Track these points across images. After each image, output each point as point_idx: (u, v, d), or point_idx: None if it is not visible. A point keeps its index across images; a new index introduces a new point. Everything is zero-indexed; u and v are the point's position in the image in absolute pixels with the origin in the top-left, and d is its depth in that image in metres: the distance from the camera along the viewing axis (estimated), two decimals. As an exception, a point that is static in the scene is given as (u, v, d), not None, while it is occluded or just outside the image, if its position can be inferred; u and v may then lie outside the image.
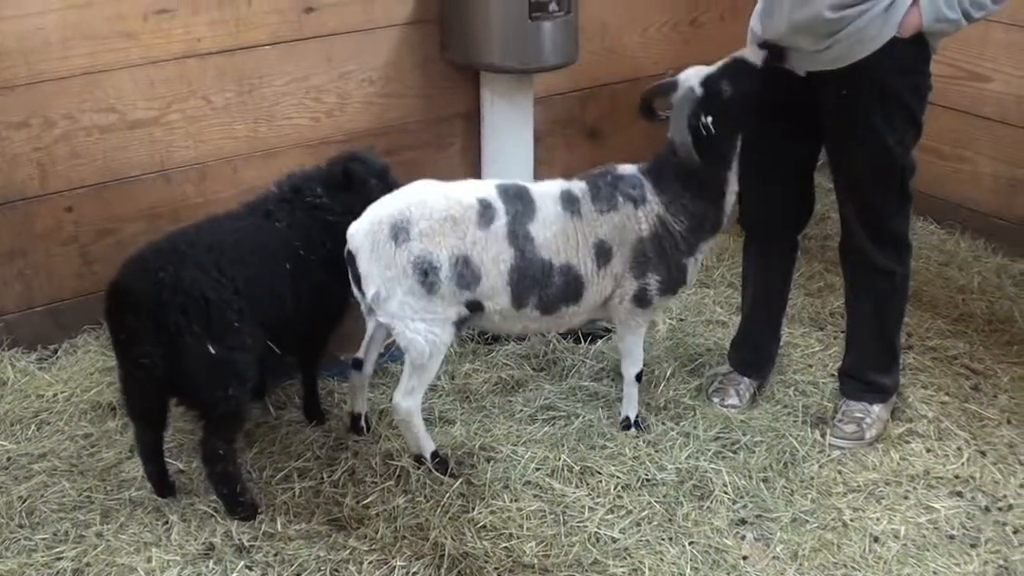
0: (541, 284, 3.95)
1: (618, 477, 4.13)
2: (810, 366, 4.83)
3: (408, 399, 4.01)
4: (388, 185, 4.21)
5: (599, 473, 4.15)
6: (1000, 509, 4.04)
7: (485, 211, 3.87)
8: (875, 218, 4.19)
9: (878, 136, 4.02)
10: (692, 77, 3.97)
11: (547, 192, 4.03)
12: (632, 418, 4.38)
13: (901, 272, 4.33)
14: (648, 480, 4.13)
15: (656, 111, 4.11)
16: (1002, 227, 5.78)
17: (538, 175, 5.71)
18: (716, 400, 4.56)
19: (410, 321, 3.84)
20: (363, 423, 4.36)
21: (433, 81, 5.58)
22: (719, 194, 4.09)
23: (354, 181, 4.18)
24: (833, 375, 4.68)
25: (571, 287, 4.01)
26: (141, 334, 3.71)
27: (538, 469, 4.16)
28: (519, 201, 3.95)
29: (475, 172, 5.73)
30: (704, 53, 6.26)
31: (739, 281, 5.32)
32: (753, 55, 3.97)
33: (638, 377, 4.36)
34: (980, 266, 5.65)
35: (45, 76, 4.69)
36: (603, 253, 4.02)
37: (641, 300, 4.12)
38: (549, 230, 3.94)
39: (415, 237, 3.78)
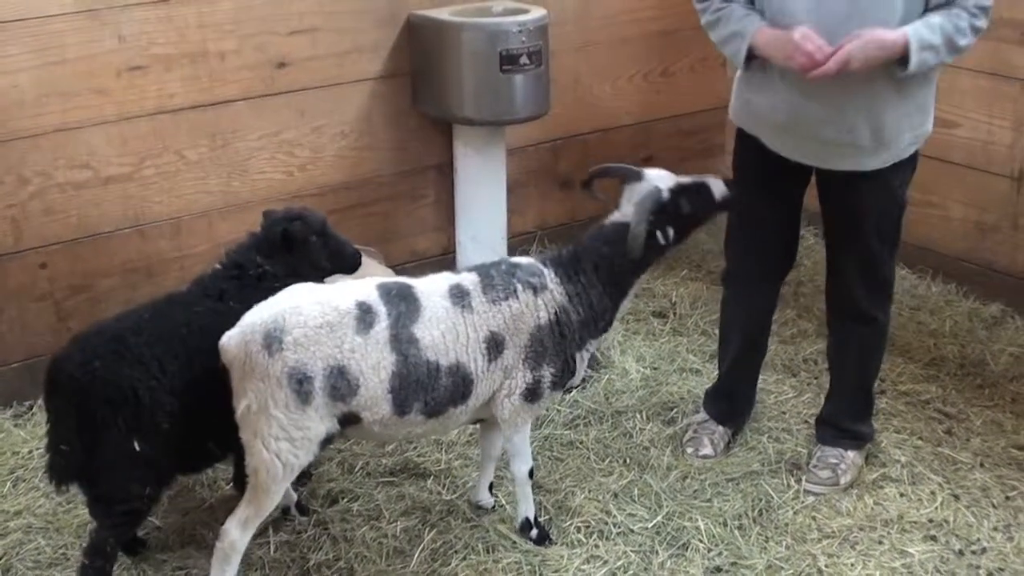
0: (427, 388, 3.68)
1: (594, 526, 4.14)
2: (783, 413, 4.85)
3: (240, 530, 3.69)
4: (328, 240, 4.11)
5: (575, 521, 4.15)
6: (974, 552, 4.05)
7: (364, 315, 3.61)
8: (871, 264, 4.23)
9: (887, 180, 4.09)
10: (663, 179, 3.88)
11: (434, 289, 3.77)
12: (531, 519, 4.12)
13: (884, 320, 4.39)
14: (624, 529, 4.13)
15: (596, 190, 4.05)
16: (973, 271, 5.82)
17: (511, 225, 5.78)
18: (690, 450, 4.57)
19: (273, 440, 3.55)
20: (295, 512, 4.23)
21: (406, 134, 5.63)
22: (623, 294, 3.97)
23: (295, 243, 4.02)
24: (807, 421, 4.71)
25: (459, 387, 3.74)
26: (66, 420, 3.64)
27: (515, 519, 4.16)
28: (402, 302, 3.69)
29: (449, 223, 5.78)
30: (675, 103, 6.43)
31: (712, 329, 5.37)
32: (717, 189, 3.94)
33: (530, 474, 4.08)
34: (951, 310, 5.69)
35: (19, 133, 4.71)
36: (495, 345, 3.76)
37: (532, 394, 3.85)
38: (436, 329, 3.69)
39: (288, 347, 3.51)
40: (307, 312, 3.56)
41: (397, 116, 5.57)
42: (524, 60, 5.20)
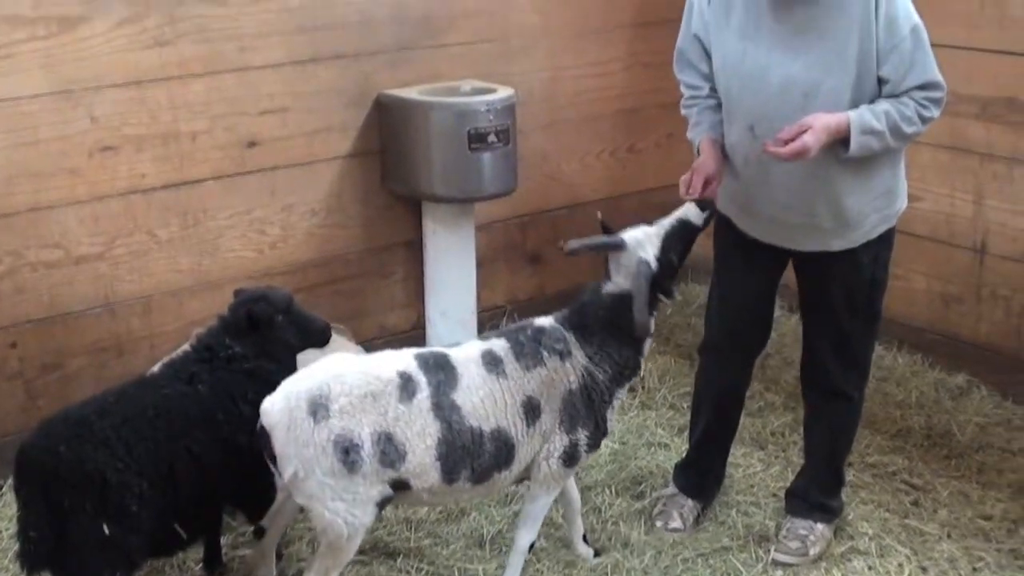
0: (473, 454, 3.76)
1: (564, 603, 4.14)
2: (752, 486, 4.86)
3: None
4: (294, 318, 4.15)
5: (545, 599, 4.16)
6: (942, 625, 4.07)
7: (406, 384, 3.70)
8: (844, 341, 4.28)
9: (856, 257, 4.14)
10: (645, 244, 3.92)
11: (469, 357, 3.86)
12: None
13: (857, 397, 4.43)
14: (594, 606, 4.13)
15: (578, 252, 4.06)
16: (937, 342, 5.87)
17: (481, 300, 5.83)
18: (659, 524, 4.58)
19: (329, 501, 3.62)
20: None
21: (375, 211, 5.68)
22: (641, 340, 4.02)
23: (260, 323, 4.06)
24: (775, 495, 4.74)
25: (503, 452, 3.82)
26: (35, 506, 3.64)
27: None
28: (440, 370, 3.78)
29: (418, 299, 5.82)
30: (642, 179, 6.50)
31: (681, 402, 5.40)
32: (695, 216, 3.99)
33: (530, 548, 4.13)
34: (917, 381, 5.71)
35: (-10, 214, 4.74)
36: (532, 410, 3.85)
37: (570, 458, 3.94)
38: (476, 395, 3.78)
39: (335, 414, 3.58)
40: (351, 380, 3.64)
41: (366, 194, 5.62)
42: (492, 138, 5.27)
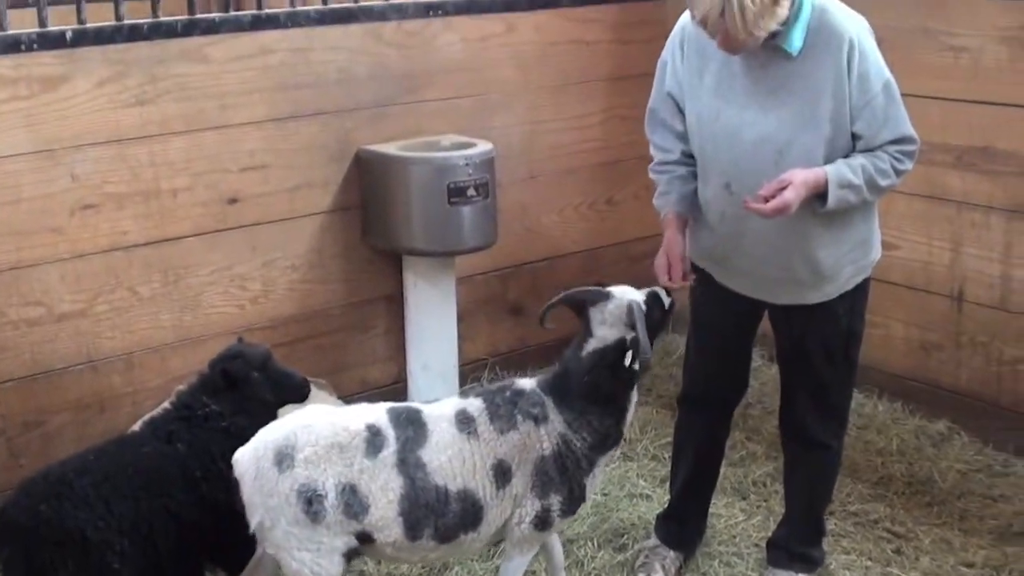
0: (437, 512, 3.71)
1: (546, 657, 4.13)
2: (734, 536, 4.86)
3: None
4: (270, 375, 4.18)
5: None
6: (925, 674, 4.07)
7: (374, 438, 3.68)
8: (821, 391, 4.29)
9: (832, 309, 4.16)
10: (632, 293, 3.95)
11: (442, 414, 3.82)
12: None
13: (836, 447, 4.44)
14: (576, 659, 4.12)
15: (548, 320, 4.05)
16: (918, 389, 5.89)
17: (463, 353, 5.84)
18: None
19: (295, 551, 3.61)
20: None
21: (356, 266, 5.71)
22: (623, 409, 4.01)
23: (236, 381, 4.09)
24: (757, 545, 4.74)
25: (469, 513, 3.76)
26: (16, 566, 3.64)
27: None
28: (410, 426, 3.76)
29: (399, 352, 5.83)
30: (621, 230, 6.54)
31: (662, 453, 5.40)
32: (664, 296, 4.04)
33: None
34: (898, 428, 5.72)
35: (-28, 273, 4.75)
36: (502, 474, 3.79)
37: (542, 523, 3.87)
38: (444, 454, 3.74)
39: (299, 464, 3.58)
40: (319, 431, 3.64)
41: (347, 249, 5.66)
42: (471, 192, 5.31)
